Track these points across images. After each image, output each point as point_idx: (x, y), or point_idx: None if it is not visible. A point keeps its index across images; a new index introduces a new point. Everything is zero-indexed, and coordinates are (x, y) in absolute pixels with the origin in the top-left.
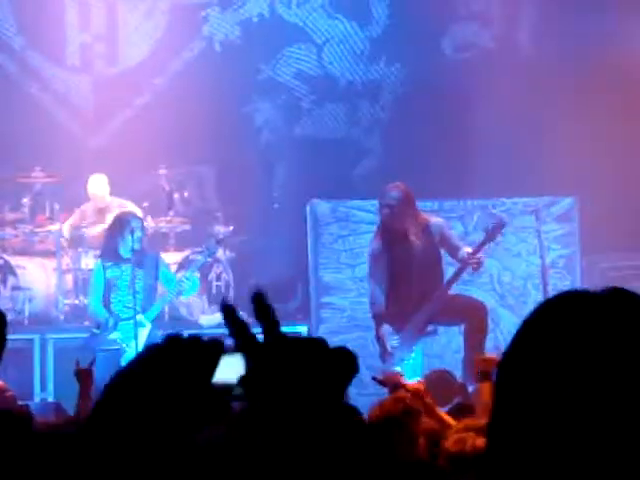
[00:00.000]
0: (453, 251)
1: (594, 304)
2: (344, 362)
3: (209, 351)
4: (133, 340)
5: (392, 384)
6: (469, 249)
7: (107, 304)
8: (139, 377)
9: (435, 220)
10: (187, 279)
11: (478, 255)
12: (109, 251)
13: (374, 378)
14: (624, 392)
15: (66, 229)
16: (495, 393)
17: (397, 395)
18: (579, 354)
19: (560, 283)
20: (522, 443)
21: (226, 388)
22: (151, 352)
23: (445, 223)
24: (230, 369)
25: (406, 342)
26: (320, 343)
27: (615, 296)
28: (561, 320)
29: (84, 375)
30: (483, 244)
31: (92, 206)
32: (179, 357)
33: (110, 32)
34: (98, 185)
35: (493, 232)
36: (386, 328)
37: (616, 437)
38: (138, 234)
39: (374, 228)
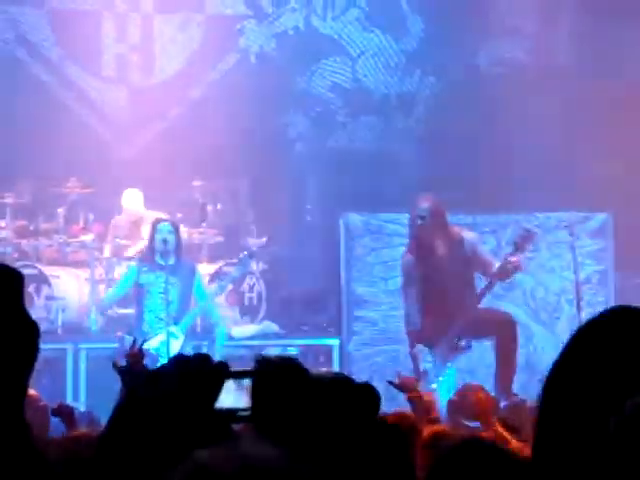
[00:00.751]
0: (485, 267)
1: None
2: (368, 399)
3: (214, 375)
4: (165, 350)
5: (408, 389)
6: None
7: (140, 313)
8: (147, 399)
9: (468, 234)
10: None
11: (512, 259)
12: (146, 257)
13: (390, 382)
14: None
15: (100, 240)
16: (542, 406)
17: (404, 413)
18: (629, 369)
19: (594, 299)
20: (570, 456)
21: (230, 412)
22: (159, 373)
23: (478, 238)
24: (234, 393)
25: (440, 360)
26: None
27: None
28: (612, 335)
29: (135, 357)
30: (511, 255)
31: (126, 218)
32: (185, 379)
33: (146, 43)
34: (132, 200)
35: (522, 243)
36: (420, 348)
37: None
38: (164, 236)
39: (406, 241)
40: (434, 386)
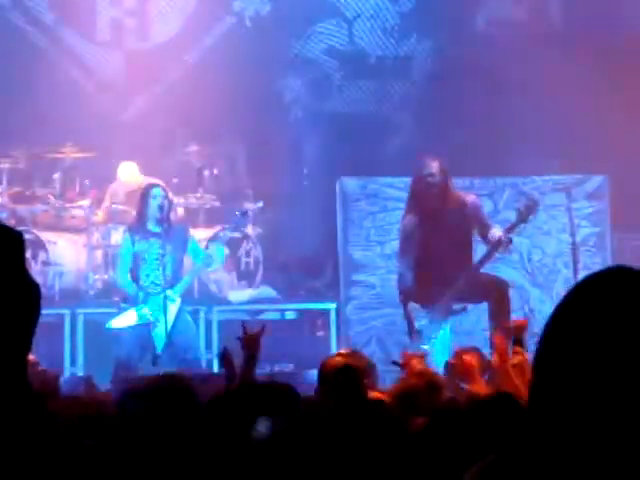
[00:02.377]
0: (484, 230)
1: (635, 281)
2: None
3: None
4: (163, 315)
5: (412, 370)
6: (500, 230)
7: (136, 278)
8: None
9: (469, 197)
10: (213, 250)
11: (509, 235)
12: (137, 224)
13: (394, 362)
14: None
15: (96, 205)
16: (536, 362)
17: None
18: (621, 328)
19: (590, 261)
20: (562, 416)
21: None
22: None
23: (479, 201)
24: None
25: (434, 321)
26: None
27: None
28: (605, 294)
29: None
30: (515, 225)
31: (123, 185)
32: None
33: (141, 7)
34: (128, 172)
35: (526, 212)
36: (413, 306)
37: None
38: (160, 202)
39: (405, 204)
40: (426, 347)
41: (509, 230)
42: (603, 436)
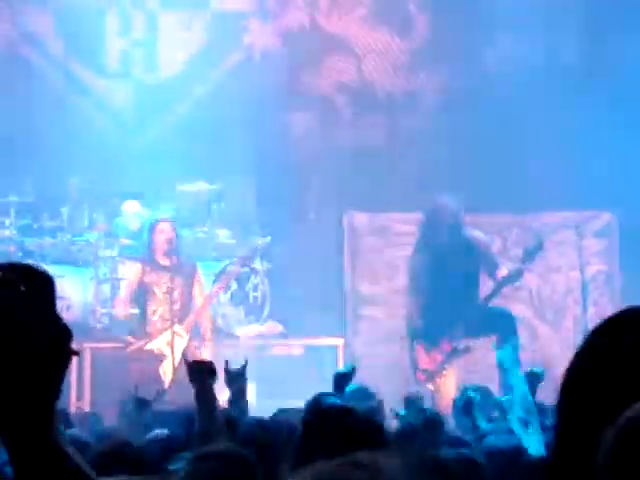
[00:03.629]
0: (492, 269)
1: None
2: None
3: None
4: (170, 350)
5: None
6: (507, 269)
7: (144, 313)
8: None
9: (478, 235)
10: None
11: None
12: (147, 257)
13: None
14: None
15: (104, 239)
16: (561, 404)
17: None
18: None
19: (599, 298)
20: (588, 459)
21: None
22: None
23: (488, 239)
24: None
25: (439, 361)
26: None
27: None
28: (628, 334)
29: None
30: (523, 263)
31: (129, 218)
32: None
33: (150, 39)
34: (131, 212)
35: (533, 253)
36: (420, 347)
37: None
38: (173, 236)
39: (414, 240)
40: (430, 386)
41: (516, 270)
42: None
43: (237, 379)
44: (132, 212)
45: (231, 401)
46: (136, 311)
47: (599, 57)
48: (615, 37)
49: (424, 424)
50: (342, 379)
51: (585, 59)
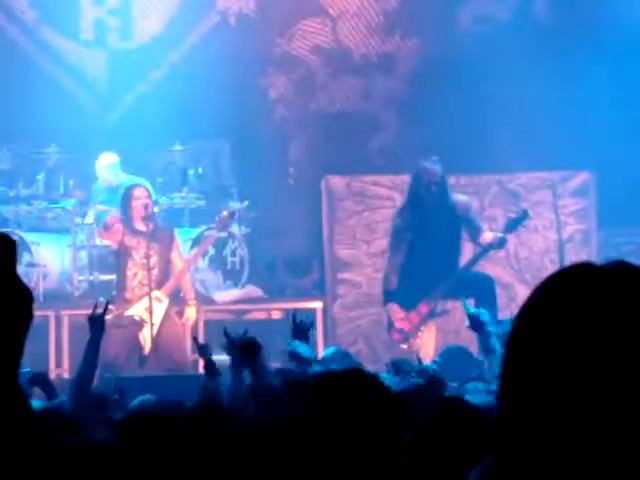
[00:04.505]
0: (474, 232)
1: (599, 277)
2: None
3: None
4: (149, 316)
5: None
6: (490, 234)
7: (122, 278)
8: None
9: (460, 198)
10: None
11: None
12: (125, 222)
13: None
14: (625, 365)
15: (80, 205)
16: (504, 361)
17: None
18: (583, 326)
19: (577, 258)
20: (530, 420)
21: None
22: None
23: (470, 202)
24: None
25: (416, 322)
26: None
27: (620, 269)
28: (566, 292)
29: (96, 322)
30: (505, 233)
31: (106, 183)
32: None
33: (124, 7)
34: (107, 164)
35: (516, 223)
36: (394, 307)
37: (619, 411)
38: (144, 201)
39: (393, 203)
40: (404, 347)
41: (497, 238)
42: (574, 435)
43: (247, 347)
44: (108, 164)
45: (254, 371)
46: (113, 277)
47: (571, 12)
48: None
49: (428, 384)
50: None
51: (557, 14)
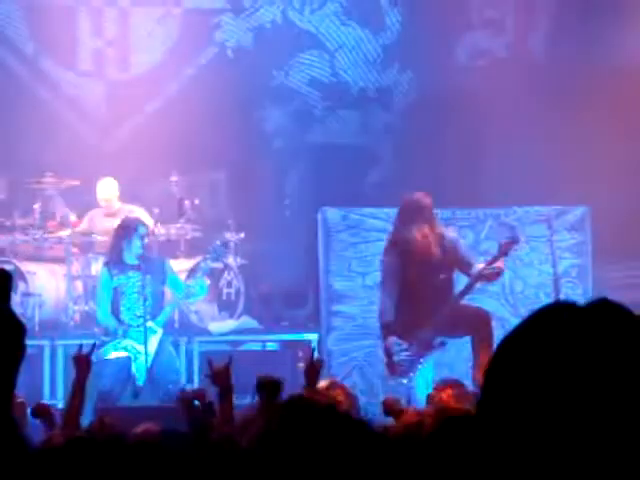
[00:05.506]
0: (465, 266)
1: (578, 316)
2: None
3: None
4: (144, 347)
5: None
6: (481, 265)
7: (116, 313)
8: None
9: (448, 232)
10: (195, 283)
11: (497, 264)
12: (115, 258)
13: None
14: (604, 401)
15: (76, 235)
16: (481, 397)
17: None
18: (562, 365)
19: (572, 292)
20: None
21: None
22: None
23: (458, 235)
24: None
25: (414, 356)
26: None
27: (600, 308)
28: (545, 331)
29: (81, 362)
30: (495, 259)
31: (101, 212)
32: None
33: (122, 38)
34: (107, 189)
35: (506, 247)
36: (393, 340)
37: (601, 445)
38: (145, 241)
39: (386, 236)
40: (405, 381)
41: (490, 263)
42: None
43: (223, 379)
44: (106, 200)
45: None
46: (109, 312)
47: (566, 47)
48: (583, 31)
49: None
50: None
51: (553, 50)
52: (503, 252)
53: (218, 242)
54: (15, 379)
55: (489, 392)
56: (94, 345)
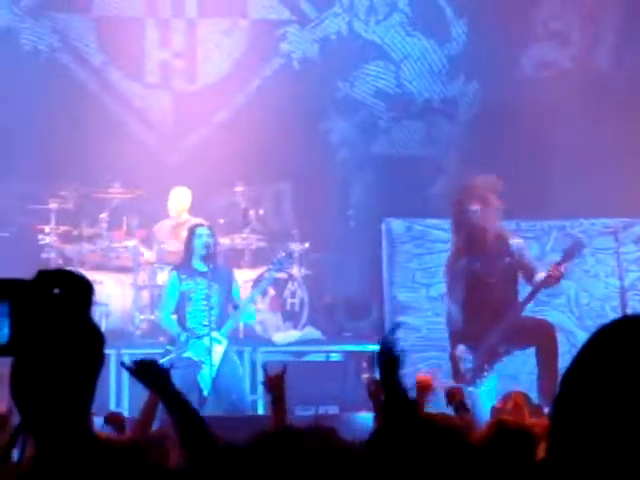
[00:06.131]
0: (529, 274)
1: None
2: None
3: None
4: (208, 357)
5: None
6: (543, 273)
7: (182, 319)
8: None
9: (514, 239)
10: (247, 308)
11: (560, 269)
12: (184, 264)
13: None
14: None
15: (143, 245)
16: (556, 406)
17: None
18: (636, 377)
19: (639, 305)
20: (581, 461)
21: None
22: None
23: (524, 243)
24: None
25: (479, 363)
26: None
27: None
28: (621, 343)
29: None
30: (560, 263)
31: (169, 222)
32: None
33: (189, 49)
34: (180, 198)
35: (571, 252)
36: (461, 348)
37: None
38: (205, 240)
39: (451, 244)
40: (471, 389)
41: (553, 269)
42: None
43: (275, 386)
44: (177, 211)
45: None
46: (174, 316)
47: (632, 60)
48: None
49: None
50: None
51: (618, 62)
52: (568, 257)
53: (283, 253)
54: (94, 389)
55: (564, 407)
56: (172, 365)
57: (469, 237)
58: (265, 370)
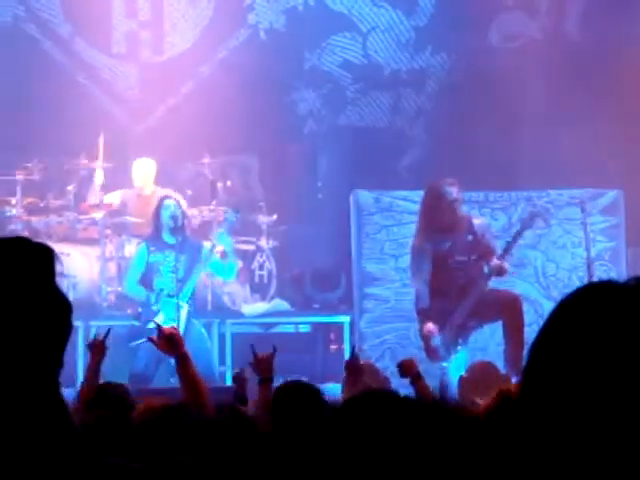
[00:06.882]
0: (486, 254)
1: (620, 295)
2: None
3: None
4: (178, 321)
5: (408, 371)
6: (498, 262)
7: (149, 287)
8: None
9: (477, 219)
10: (227, 264)
11: (501, 266)
12: (153, 236)
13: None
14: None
15: (109, 217)
16: (525, 376)
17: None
18: (602, 343)
19: (605, 275)
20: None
21: None
22: None
23: (487, 225)
24: None
25: (450, 339)
26: None
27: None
28: (587, 310)
29: (97, 348)
30: (519, 233)
31: (134, 193)
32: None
33: (156, 20)
34: (144, 169)
35: (528, 222)
36: (430, 326)
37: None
38: (172, 212)
39: (416, 220)
40: (445, 364)
41: (514, 240)
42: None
43: (265, 368)
44: (142, 181)
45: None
46: (136, 285)
47: (601, 29)
48: (617, 13)
49: None
50: None
51: (588, 31)
52: (525, 226)
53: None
54: (62, 358)
55: (532, 376)
56: (109, 331)
57: (437, 218)
58: (254, 352)
